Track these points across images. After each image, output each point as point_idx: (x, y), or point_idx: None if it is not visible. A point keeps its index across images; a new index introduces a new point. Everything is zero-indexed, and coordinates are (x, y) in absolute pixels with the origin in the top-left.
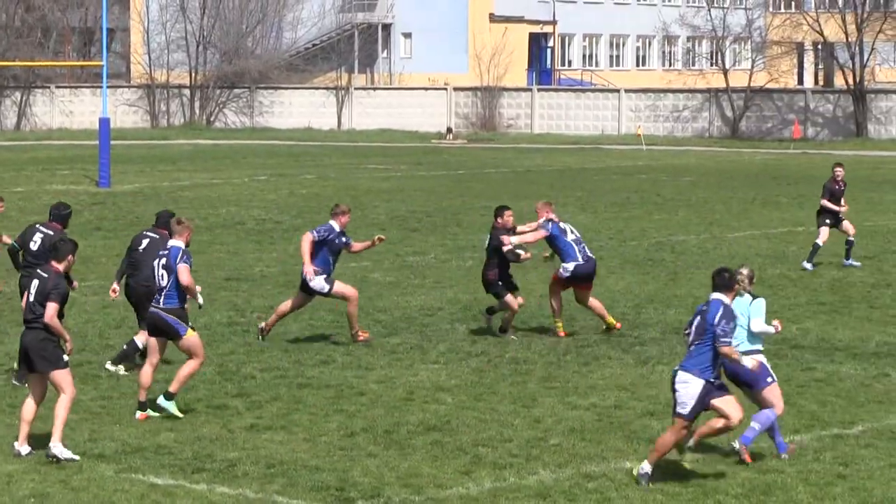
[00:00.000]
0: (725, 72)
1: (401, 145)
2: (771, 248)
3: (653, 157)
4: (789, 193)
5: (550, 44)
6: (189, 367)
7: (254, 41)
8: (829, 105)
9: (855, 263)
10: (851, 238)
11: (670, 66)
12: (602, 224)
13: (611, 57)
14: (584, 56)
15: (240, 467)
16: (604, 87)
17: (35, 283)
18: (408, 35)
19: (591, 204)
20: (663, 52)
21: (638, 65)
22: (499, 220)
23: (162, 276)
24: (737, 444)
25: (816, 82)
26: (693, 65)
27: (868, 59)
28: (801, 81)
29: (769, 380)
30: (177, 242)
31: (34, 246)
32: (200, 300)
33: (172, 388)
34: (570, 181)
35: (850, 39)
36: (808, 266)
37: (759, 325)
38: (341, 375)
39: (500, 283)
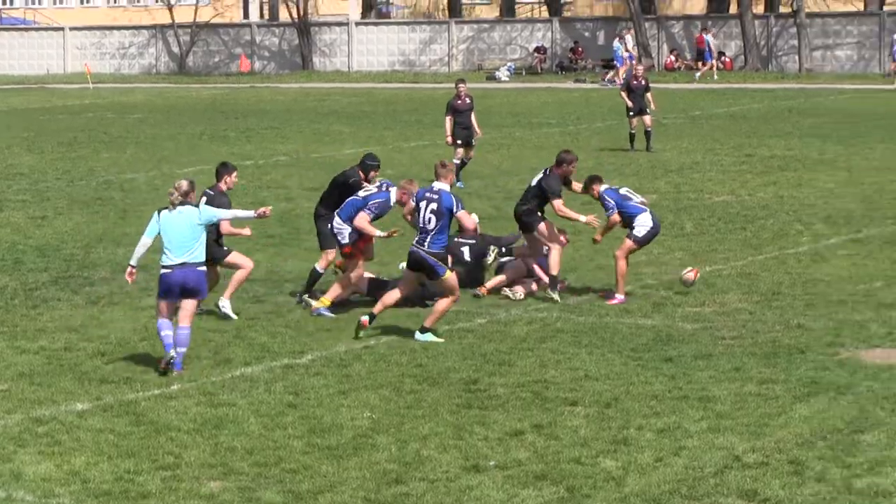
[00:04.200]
0: (171, 7)
1: None
2: None
3: (100, 95)
4: (238, 127)
5: None
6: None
7: None
8: (275, 39)
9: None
10: (467, 159)
11: (115, 2)
12: (49, 165)
13: None
14: None
15: None
16: (47, 26)
17: None
18: None
19: (38, 145)
20: None
21: (82, 2)
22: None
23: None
24: None
25: (262, 16)
26: (138, 1)
27: None
28: (246, 15)
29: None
30: (443, 185)
31: None
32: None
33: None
34: (15, 122)
35: None
36: (461, 184)
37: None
38: None
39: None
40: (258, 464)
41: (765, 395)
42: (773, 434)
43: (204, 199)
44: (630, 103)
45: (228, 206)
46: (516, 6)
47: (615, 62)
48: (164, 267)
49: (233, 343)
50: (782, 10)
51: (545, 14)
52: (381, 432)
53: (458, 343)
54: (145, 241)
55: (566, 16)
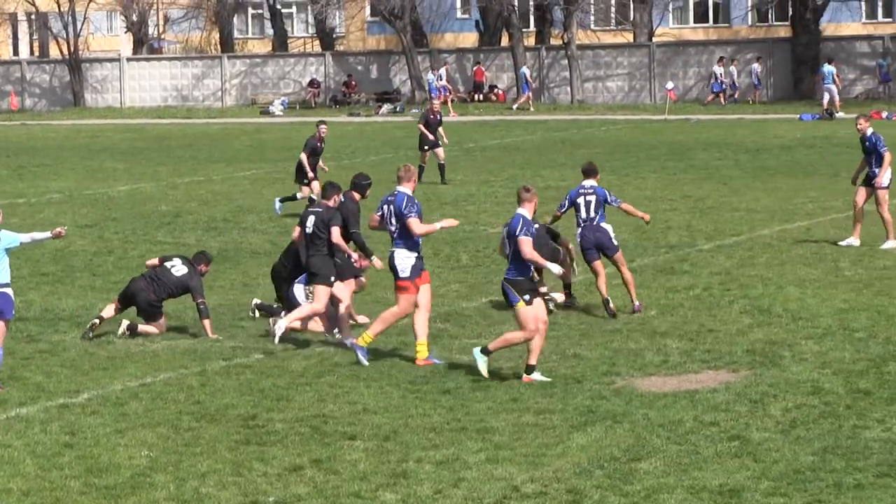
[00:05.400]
0: None
1: None
2: None
3: None
4: (9, 165)
5: None
6: (515, 336)
7: None
8: (45, 75)
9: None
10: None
11: None
12: None
13: None
14: None
15: None
16: None
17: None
18: None
19: None
20: None
21: None
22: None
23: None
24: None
25: (32, 52)
26: None
27: (82, 29)
28: (16, 52)
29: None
30: (522, 210)
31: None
32: None
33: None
34: None
35: (62, 9)
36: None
37: None
38: None
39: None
40: None
41: (542, 424)
42: (552, 463)
43: (312, 212)
44: (431, 137)
45: (329, 219)
46: (289, 41)
47: (431, 94)
48: None
49: (7, 383)
50: (553, 42)
51: (318, 48)
52: (159, 471)
53: (235, 379)
54: None
55: (339, 50)
